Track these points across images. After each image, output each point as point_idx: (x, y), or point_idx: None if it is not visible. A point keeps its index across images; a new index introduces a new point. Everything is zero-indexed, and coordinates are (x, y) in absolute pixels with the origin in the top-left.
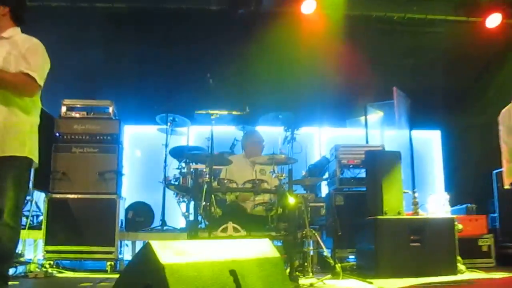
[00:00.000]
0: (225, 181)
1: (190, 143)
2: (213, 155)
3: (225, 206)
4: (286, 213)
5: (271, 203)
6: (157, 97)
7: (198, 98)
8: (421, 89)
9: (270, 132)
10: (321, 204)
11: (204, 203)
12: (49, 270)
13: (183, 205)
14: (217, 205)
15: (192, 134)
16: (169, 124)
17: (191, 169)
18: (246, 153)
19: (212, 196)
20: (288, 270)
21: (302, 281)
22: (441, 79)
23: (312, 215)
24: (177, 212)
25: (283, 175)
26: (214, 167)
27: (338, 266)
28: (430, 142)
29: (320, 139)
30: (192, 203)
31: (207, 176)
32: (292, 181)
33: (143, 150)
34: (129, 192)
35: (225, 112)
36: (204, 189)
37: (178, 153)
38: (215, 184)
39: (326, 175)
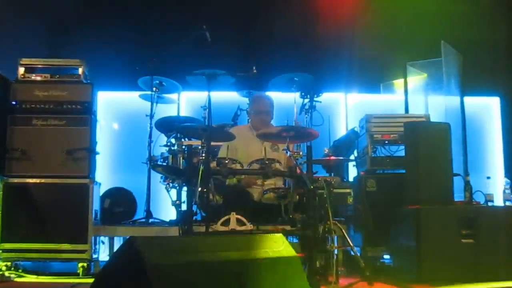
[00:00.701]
0: (227, 161)
1: (181, 113)
2: (210, 128)
3: (226, 192)
4: (304, 201)
5: (285, 189)
6: (139, 55)
7: (191, 57)
8: (476, 44)
9: (284, 99)
10: (348, 190)
11: (200, 189)
12: (6, 273)
13: (173, 192)
14: (216, 191)
15: (184, 102)
16: (155, 89)
17: (183, 146)
18: (252, 124)
19: (210, 180)
20: (306, 273)
21: (324, 286)
22: (501, 32)
23: (337, 203)
24: (166, 201)
25: (301, 153)
26: (212, 143)
27: (369, 268)
28: (487, 111)
29: (347, 108)
30: (184, 189)
31: (204, 154)
32: (312, 160)
33: (123, 122)
34: (105, 176)
35: (226, 74)
36: (200, 171)
37: (167, 126)
38: (213, 164)
39: (355, 154)
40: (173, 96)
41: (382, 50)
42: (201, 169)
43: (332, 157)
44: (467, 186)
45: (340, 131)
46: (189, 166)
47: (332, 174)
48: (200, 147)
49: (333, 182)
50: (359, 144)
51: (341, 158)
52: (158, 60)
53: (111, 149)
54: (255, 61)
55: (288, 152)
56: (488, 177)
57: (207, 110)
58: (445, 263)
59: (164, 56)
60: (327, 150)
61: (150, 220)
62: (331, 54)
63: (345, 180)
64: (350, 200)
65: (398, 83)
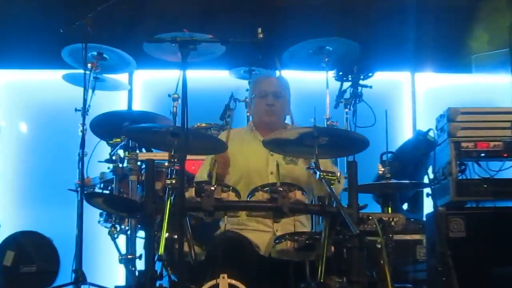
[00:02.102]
0: (213, 188)
1: (135, 106)
2: (185, 132)
3: (213, 240)
4: (343, 256)
5: (312, 235)
6: (65, 9)
7: (154, 13)
8: None
9: (308, 83)
10: (418, 236)
11: (167, 234)
12: None
13: (122, 240)
14: (195, 239)
15: (139, 88)
16: (90, 66)
17: (138, 162)
18: (255, 123)
19: (186, 219)
20: None
21: None
22: None
23: (400, 259)
24: (110, 254)
25: (338, 173)
26: (188, 157)
27: None
28: None
29: (415, 97)
30: (141, 234)
31: (174, 176)
32: (358, 186)
33: (36, 121)
34: (7, 213)
35: (212, 40)
36: (168, 205)
37: (111, 127)
38: (190, 193)
39: (429, 175)
40: (122, 77)
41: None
42: (169, 202)
43: (392, 181)
44: None
45: (405, 136)
46: (149, 195)
47: (392, 208)
48: (167, 164)
49: (393, 223)
50: (437, 159)
51: (406, 182)
52: (96, 17)
53: (17, 168)
54: (261, 20)
55: (317, 173)
56: None
57: (180, 101)
58: None
59: (107, 11)
60: (382, 169)
61: None
62: (385, 10)
63: (412, 219)
64: (422, 254)
65: (501, 53)
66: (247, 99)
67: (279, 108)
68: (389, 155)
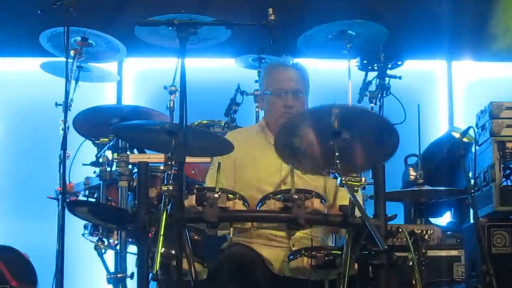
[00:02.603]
0: (217, 195)
1: (125, 100)
2: (184, 130)
3: (217, 257)
4: (370, 274)
5: (332, 251)
6: None
7: None
8: None
9: (327, 73)
10: (455, 252)
11: (163, 250)
12: None
13: (110, 256)
14: (196, 256)
15: (130, 79)
16: (73, 52)
17: (129, 165)
18: (268, 122)
19: (185, 232)
20: None
21: None
22: None
23: (434, 278)
24: (97, 272)
25: (363, 179)
26: (188, 159)
27: None
28: None
29: (452, 89)
30: (132, 249)
31: (171, 182)
32: (386, 193)
33: (9, 118)
34: None
35: (215, 23)
36: (164, 216)
37: (97, 125)
38: (191, 201)
39: (470, 181)
40: (110, 66)
41: None
42: (165, 212)
43: (425, 187)
44: None
45: (439, 132)
46: (142, 204)
47: (425, 219)
48: (163, 167)
49: (426, 237)
50: (477, 161)
51: (441, 188)
52: None
53: None
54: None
55: (339, 178)
56: None
57: (177, 94)
58: None
59: None
60: (414, 174)
61: None
62: None
63: (449, 232)
64: (460, 272)
65: None
66: (256, 92)
67: (298, 109)
68: (415, 158)
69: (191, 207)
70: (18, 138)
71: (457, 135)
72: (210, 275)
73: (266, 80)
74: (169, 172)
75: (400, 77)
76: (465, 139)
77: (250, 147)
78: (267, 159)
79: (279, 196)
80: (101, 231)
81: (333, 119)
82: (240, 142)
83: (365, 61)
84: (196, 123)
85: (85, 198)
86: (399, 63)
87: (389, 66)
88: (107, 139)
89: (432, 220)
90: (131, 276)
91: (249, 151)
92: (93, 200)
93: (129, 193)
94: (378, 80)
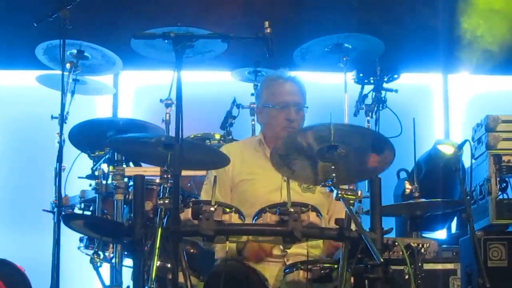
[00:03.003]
0: (213, 209)
1: (121, 113)
2: (181, 143)
3: (212, 271)
4: (365, 286)
5: (329, 264)
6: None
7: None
8: None
9: (323, 85)
10: (451, 265)
11: (159, 263)
12: None
13: (106, 269)
14: (192, 269)
15: (126, 92)
16: (69, 65)
17: (125, 178)
18: (267, 135)
19: (181, 246)
20: None
21: None
22: None
23: None
24: (92, 286)
25: (359, 192)
26: (184, 172)
27: None
28: None
29: (448, 102)
30: (128, 263)
31: (167, 195)
32: (382, 207)
33: (3, 130)
34: None
35: (212, 36)
36: (159, 229)
37: (93, 138)
38: (186, 214)
39: (467, 193)
40: (106, 79)
41: None
42: (161, 225)
43: (421, 199)
44: None
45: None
46: (138, 217)
47: (421, 232)
48: (159, 180)
49: (423, 250)
50: (474, 175)
51: (438, 200)
52: (75, 9)
53: None
54: (269, 12)
55: (335, 191)
56: None
57: (173, 107)
58: None
59: (88, 2)
60: (410, 187)
61: None
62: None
63: (444, 245)
64: (456, 286)
65: None
66: (253, 105)
67: (299, 123)
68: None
69: (187, 220)
70: (14, 151)
71: (444, 148)
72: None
73: (265, 93)
74: (165, 185)
75: (396, 91)
76: (448, 153)
77: (248, 162)
78: (266, 176)
79: (275, 209)
80: (96, 244)
81: (331, 135)
82: (236, 156)
83: (361, 74)
84: (192, 135)
85: (80, 211)
86: (395, 76)
87: (385, 79)
88: (102, 152)
89: (428, 235)
90: None
91: (247, 166)
92: (89, 213)
93: (124, 206)
94: (374, 93)
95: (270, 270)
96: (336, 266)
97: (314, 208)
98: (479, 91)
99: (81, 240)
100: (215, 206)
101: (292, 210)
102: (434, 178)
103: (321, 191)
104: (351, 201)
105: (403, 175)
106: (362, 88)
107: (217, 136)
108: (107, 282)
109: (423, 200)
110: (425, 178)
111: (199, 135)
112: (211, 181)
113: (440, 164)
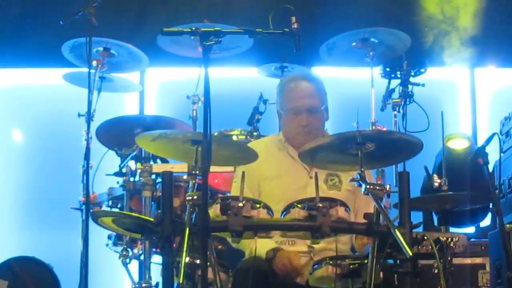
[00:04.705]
0: (241, 205)
1: (148, 110)
2: (209, 139)
3: (241, 266)
4: (394, 282)
5: (357, 259)
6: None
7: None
8: None
9: (349, 82)
10: (480, 259)
11: (188, 259)
12: None
13: (135, 266)
14: (221, 265)
15: (153, 89)
16: (95, 63)
17: (153, 175)
18: (287, 137)
19: (210, 241)
20: None
21: None
22: None
23: (459, 285)
24: (121, 282)
25: (388, 187)
26: (212, 169)
27: None
28: None
29: (476, 96)
30: (157, 260)
31: (195, 191)
32: (411, 200)
33: (32, 127)
34: None
35: (238, 32)
36: (187, 226)
37: (120, 135)
38: (215, 210)
39: (494, 186)
40: (132, 76)
41: None
42: (189, 221)
43: (448, 193)
44: None
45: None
46: (166, 214)
47: (450, 227)
48: (187, 177)
49: (452, 244)
50: (502, 168)
51: (466, 193)
52: (101, 7)
53: (11, 184)
54: (295, 8)
55: (363, 186)
56: None
57: (200, 103)
58: None
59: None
60: (438, 181)
61: None
62: None
63: (473, 239)
64: (485, 280)
65: None
66: (277, 104)
67: (315, 125)
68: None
69: (215, 216)
70: (41, 149)
71: (453, 144)
72: (235, 284)
73: (280, 97)
74: (193, 181)
75: (423, 85)
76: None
77: (274, 160)
78: (292, 174)
79: (303, 204)
80: (125, 241)
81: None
82: (262, 153)
83: (388, 69)
84: (216, 133)
85: (108, 208)
86: (422, 70)
87: (412, 73)
88: (130, 149)
89: (456, 229)
90: (156, 286)
91: (273, 164)
92: (117, 210)
93: (152, 203)
94: (401, 88)
95: (298, 265)
96: (365, 261)
97: (343, 203)
98: (506, 85)
99: (109, 237)
100: (244, 202)
101: (320, 205)
102: (459, 173)
103: (347, 188)
104: (379, 194)
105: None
106: (389, 82)
107: (245, 132)
108: (136, 279)
109: (451, 193)
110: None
111: (226, 131)
112: (239, 178)
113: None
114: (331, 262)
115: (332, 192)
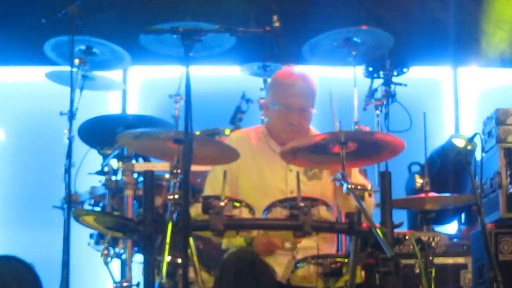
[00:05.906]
0: (223, 204)
1: (130, 108)
2: (189, 137)
3: (223, 265)
4: (376, 282)
5: (339, 258)
6: None
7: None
8: None
9: (332, 79)
10: (462, 259)
11: (169, 258)
12: None
13: (116, 265)
14: (203, 264)
15: (135, 87)
16: (78, 61)
17: (135, 174)
18: (270, 128)
19: (191, 240)
20: None
21: None
22: None
23: (441, 285)
24: (102, 281)
25: (369, 186)
26: (193, 168)
27: None
28: None
29: (458, 96)
30: (138, 259)
31: (177, 190)
32: (393, 201)
33: (13, 127)
34: None
35: (220, 30)
36: (169, 224)
37: (102, 134)
38: (196, 209)
39: (476, 187)
40: (115, 75)
41: None
42: (171, 220)
43: (431, 194)
44: None
45: (444, 140)
46: (148, 213)
47: (433, 226)
48: (169, 176)
49: (433, 244)
50: (484, 168)
51: (448, 195)
52: (84, 5)
53: None
54: (277, 6)
55: (345, 185)
56: None
57: (182, 101)
58: None
59: None
60: (421, 181)
61: None
62: None
63: (455, 239)
64: (467, 280)
65: None
66: (262, 100)
67: (304, 124)
68: (418, 166)
69: (197, 216)
70: (23, 147)
71: (458, 141)
72: (216, 283)
73: (273, 91)
74: (174, 180)
75: (405, 85)
76: (469, 146)
77: (254, 153)
78: (273, 167)
79: (285, 204)
80: (106, 240)
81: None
82: (243, 147)
83: (370, 69)
84: (198, 132)
85: (90, 207)
86: (405, 70)
87: (395, 73)
88: (112, 148)
89: (438, 228)
90: (137, 285)
91: (253, 157)
92: (99, 209)
93: (134, 201)
94: (383, 87)
95: (279, 264)
96: (346, 260)
97: (324, 203)
98: (489, 85)
99: (91, 236)
100: (225, 201)
101: (302, 204)
102: (448, 171)
103: (328, 177)
104: (359, 192)
105: (414, 168)
106: (372, 82)
107: (227, 132)
108: (118, 278)
109: (434, 194)
110: (440, 171)
111: (208, 130)
112: (216, 175)
113: (452, 157)
114: (313, 261)
115: (313, 182)
